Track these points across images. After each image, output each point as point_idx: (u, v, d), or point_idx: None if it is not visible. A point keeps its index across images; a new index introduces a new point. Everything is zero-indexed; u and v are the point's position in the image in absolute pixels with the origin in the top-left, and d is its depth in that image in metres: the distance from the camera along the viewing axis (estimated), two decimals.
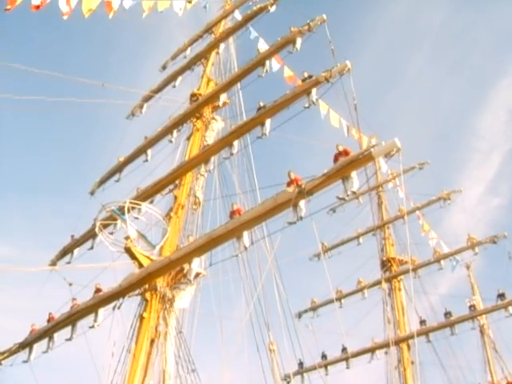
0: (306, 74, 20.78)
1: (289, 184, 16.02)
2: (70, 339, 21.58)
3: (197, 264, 19.15)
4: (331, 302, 36.77)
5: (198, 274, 20.34)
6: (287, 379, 25.53)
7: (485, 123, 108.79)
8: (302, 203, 15.45)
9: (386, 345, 34.87)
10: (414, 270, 36.90)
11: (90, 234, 24.78)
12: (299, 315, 39.06)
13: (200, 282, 22.09)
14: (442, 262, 37.55)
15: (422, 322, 35.72)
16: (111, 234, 21.93)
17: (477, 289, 48.59)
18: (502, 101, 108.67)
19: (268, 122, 20.78)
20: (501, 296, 34.71)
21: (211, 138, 24.51)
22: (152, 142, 26.17)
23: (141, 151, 26.45)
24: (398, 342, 34.83)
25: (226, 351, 21.26)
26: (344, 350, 36.36)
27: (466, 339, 42.51)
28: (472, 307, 36.37)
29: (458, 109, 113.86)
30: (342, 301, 38.77)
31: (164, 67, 30.59)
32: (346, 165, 14.86)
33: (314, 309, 39.49)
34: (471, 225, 50.36)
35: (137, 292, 20.76)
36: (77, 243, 25.69)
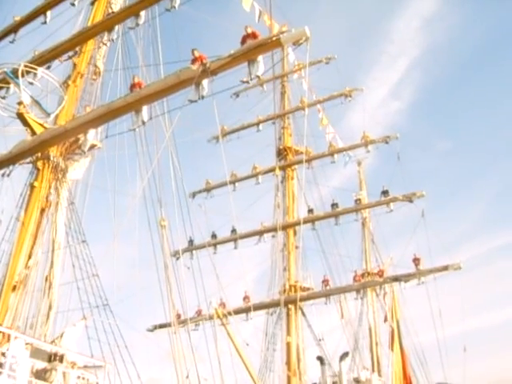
0: None
1: (194, 62, 15.70)
2: None
3: (92, 135, 18.75)
4: (225, 184, 37.35)
5: (93, 146, 19.99)
6: (176, 255, 26.30)
7: (397, 27, 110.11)
8: (205, 82, 15.29)
9: (273, 229, 36.41)
10: (308, 160, 38.07)
11: None
12: (193, 195, 39.63)
13: (95, 155, 21.78)
14: (336, 156, 38.90)
15: (310, 211, 37.47)
16: (3, 98, 20.64)
17: (364, 184, 51.22)
18: (417, 7, 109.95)
19: None
20: (384, 193, 36.70)
21: (117, 5, 23.22)
22: (52, 3, 24.26)
23: (39, 12, 24.48)
24: (285, 227, 36.48)
25: (118, 225, 21.41)
26: (233, 231, 37.66)
27: (348, 230, 45.28)
28: (358, 201, 38.36)
29: (374, 10, 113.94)
30: (236, 184, 39.67)
31: None
32: (253, 48, 14.70)
33: (208, 190, 40.16)
34: (369, 125, 52.16)
35: (28, 160, 20.17)
36: None
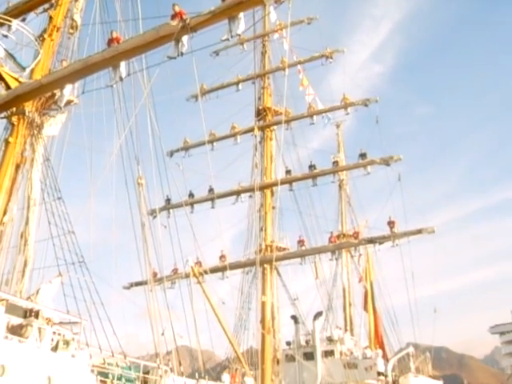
0: None
1: (173, 17, 15.42)
2: None
3: (69, 91, 18.41)
4: (203, 143, 37.12)
5: (69, 102, 19.66)
6: (153, 214, 26.26)
7: None
8: (184, 38, 15.05)
9: (251, 189, 36.43)
10: (287, 121, 37.87)
11: None
12: (171, 153, 39.26)
13: (71, 111, 21.49)
14: (315, 117, 38.73)
15: (288, 172, 37.49)
16: None
17: (342, 147, 51.56)
18: None
19: None
20: (362, 155, 36.73)
21: None
22: None
23: None
24: (262, 188, 36.48)
25: (95, 183, 21.27)
26: (211, 190, 37.60)
27: (326, 192, 45.63)
28: (335, 163, 38.51)
29: None
30: (215, 144, 39.45)
31: None
32: (233, 4, 14.48)
33: (186, 149, 39.85)
34: (349, 88, 52.28)
35: (3, 115, 19.82)
36: None
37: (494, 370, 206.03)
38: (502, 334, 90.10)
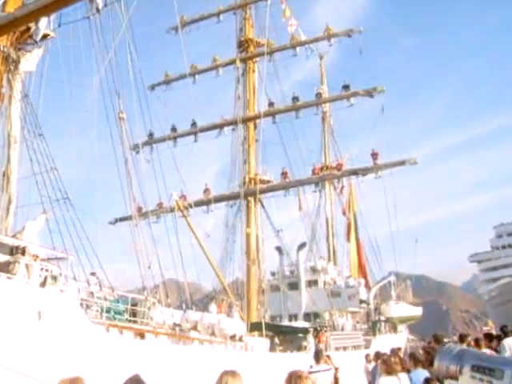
0: None
1: None
2: None
3: (45, 24, 17.88)
4: (185, 76, 36.39)
5: (46, 36, 19.13)
6: (136, 149, 26.15)
7: None
8: None
9: (234, 122, 36.23)
10: (270, 53, 37.29)
11: None
12: (152, 87, 38.72)
13: (48, 45, 20.88)
14: (298, 48, 38.19)
15: (271, 104, 37.18)
16: None
17: (325, 78, 51.06)
18: None
19: None
20: (346, 87, 36.50)
21: None
22: None
23: None
24: (245, 121, 36.28)
25: (75, 119, 21.02)
26: (194, 124, 37.33)
27: (309, 124, 45.52)
28: (318, 95, 38.19)
29: None
30: (196, 77, 38.85)
31: None
32: None
33: (167, 82, 39.30)
34: (333, 18, 51.36)
35: None
36: None
37: (471, 297, 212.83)
38: (480, 262, 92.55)
